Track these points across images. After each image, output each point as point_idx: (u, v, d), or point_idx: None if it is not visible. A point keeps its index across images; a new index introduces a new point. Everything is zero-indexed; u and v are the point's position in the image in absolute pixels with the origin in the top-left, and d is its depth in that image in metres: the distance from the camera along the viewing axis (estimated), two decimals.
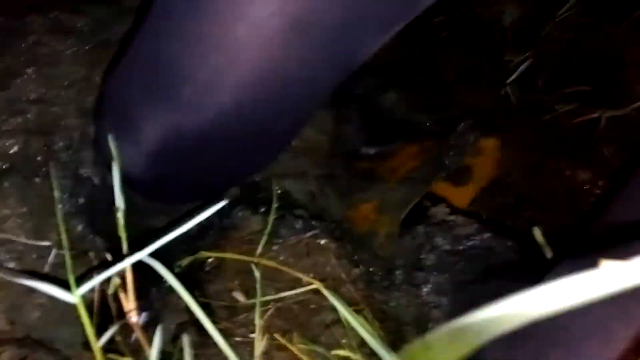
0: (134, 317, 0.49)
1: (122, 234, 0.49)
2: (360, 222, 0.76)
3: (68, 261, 0.42)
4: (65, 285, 0.49)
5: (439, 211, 0.74)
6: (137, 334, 0.48)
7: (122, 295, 0.49)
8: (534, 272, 0.63)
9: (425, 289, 0.68)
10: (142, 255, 0.47)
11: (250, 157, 0.63)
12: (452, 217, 0.73)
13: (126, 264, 0.45)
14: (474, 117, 0.85)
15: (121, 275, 0.52)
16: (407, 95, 0.93)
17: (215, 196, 0.69)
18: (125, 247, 0.50)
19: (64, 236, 0.50)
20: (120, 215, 0.52)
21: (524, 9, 1.02)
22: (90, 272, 0.59)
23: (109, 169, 0.63)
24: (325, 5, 0.47)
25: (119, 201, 0.52)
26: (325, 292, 0.57)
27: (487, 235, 0.70)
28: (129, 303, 0.49)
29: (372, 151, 0.84)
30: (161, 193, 0.65)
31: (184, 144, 0.55)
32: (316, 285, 0.60)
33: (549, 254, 0.69)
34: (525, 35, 0.99)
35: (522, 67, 0.93)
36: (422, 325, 0.67)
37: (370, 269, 0.70)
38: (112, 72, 0.60)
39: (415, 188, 0.79)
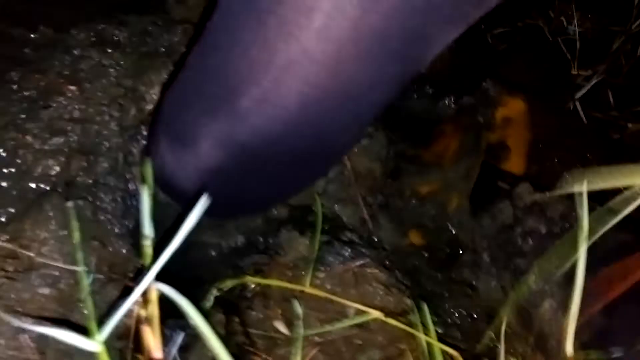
0: (157, 354, 0.46)
1: (147, 262, 0.46)
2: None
3: (90, 308, 0.40)
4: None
5: (523, 191, 0.70)
6: None
7: (145, 330, 0.46)
8: None
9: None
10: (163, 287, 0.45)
11: (305, 169, 0.61)
12: (538, 197, 0.69)
13: (135, 297, 0.42)
14: (490, 76, 0.84)
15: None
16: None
17: (265, 210, 0.68)
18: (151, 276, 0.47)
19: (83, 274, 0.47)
20: (147, 244, 0.49)
21: (593, 21, 0.95)
22: (124, 297, 0.56)
23: (159, 185, 0.61)
24: (397, 11, 0.45)
25: (147, 229, 0.49)
26: (389, 320, 0.53)
27: None
28: (155, 338, 0.46)
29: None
30: (213, 207, 0.63)
31: (241, 157, 0.54)
32: (372, 313, 0.56)
33: None
34: (594, 49, 0.92)
35: (591, 82, 0.87)
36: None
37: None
38: (170, 86, 0.59)
39: (471, 159, 0.76)
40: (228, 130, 0.52)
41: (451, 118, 0.85)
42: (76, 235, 0.50)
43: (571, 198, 0.63)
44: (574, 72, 0.89)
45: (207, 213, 0.63)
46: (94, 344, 0.39)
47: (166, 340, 0.53)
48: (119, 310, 0.41)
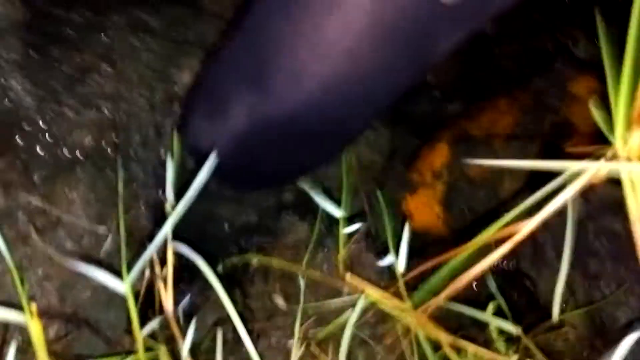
0: (170, 309, 0.51)
1: (169, 223, 0.51)
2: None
3: (123, 248, 0.45)
4: (115, 272, 0.52)
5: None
6: (172, 327, 0.51)
7: (160, 286, 0.52)
8: None
9: (602, 282, 0.56)
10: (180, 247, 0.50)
11: (323, 148, 0.68)
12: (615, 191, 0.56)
13: (150, 251, 0.48)
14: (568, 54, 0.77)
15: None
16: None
17: (281, 185, 0.75)
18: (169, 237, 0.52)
19: (122, 224, 0.52)
20: (168, 207, 0.55)
21: (597, 46, 0.99)
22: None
23: (190, 153, 0.67)
24: (409, 10, 0.52)
25: (169, 192, 0.55)
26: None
27: None
28: (167, 294, 0.52)
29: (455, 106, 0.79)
30: (236, 178, 0.70)
31: (267, 128, 0.61)
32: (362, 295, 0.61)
33: None
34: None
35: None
36: None
37: None
38: (212, 56, 0.68)
39: (527, 139, 0.71)
40: (257, 101, 0.59)
41: (504, 93, 0.78)
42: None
43: None
44: None
45: (230, 183, 0.70)
46: (123, 284, 0.44)
47: (175, 301, 0.59)
48: (143, 257, 0.46)
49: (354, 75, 0.57)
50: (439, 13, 0.53)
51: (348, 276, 0.63)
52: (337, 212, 0.62)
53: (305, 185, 0.63)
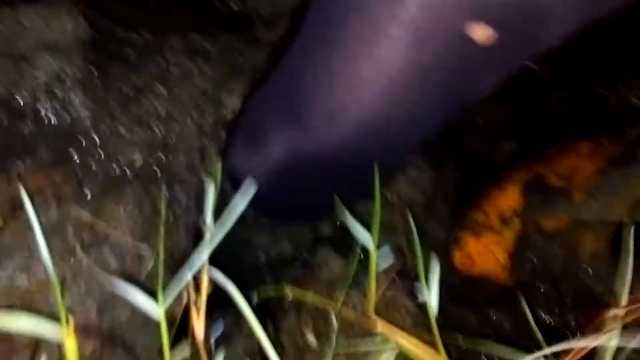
0: (200, 338, 0.51)
1: (206, 249, 0.51)
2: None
3: (160, 273, 0.45)
4: (153, 295, 0.52)
5: None
6: (201, 355, 0.51)
7: (193, 313, 0.52)
8: None
9: None
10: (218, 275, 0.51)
11: (360, 184, 0.67)
12: None
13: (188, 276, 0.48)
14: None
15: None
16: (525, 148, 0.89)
17: (316, 219, 0.76)
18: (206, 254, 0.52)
19: (161, 250, 0.53)
20: (206, 230, 0.55)
21: None
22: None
23: (231, 182, 0.68)
24: (446, 52, 0.52)
25: (209, 218, 0.55)
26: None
27: None
28: (199, 322, 0.52)
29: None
30: (272, 208, 0.71)
31: (304, 163, 0.62)
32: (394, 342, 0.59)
33: None
34: None
35: None
36: None
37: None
38: (253, 93, 0.69)
39: (615, 196, 0.64)
40: (296, 138, 0.60)
41: (586, 137, 0.72)
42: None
43: None
44: None
45: (266, 213, 0.70)
46: (158, 309, 0.45)
47: (208, 328, 0.59)
48: (180, 282, 0.47)
49: (391, 114, 0.57)
50: (476, 54, 0.53)
51: (380, 324, 0.61)
52: (369, 244, 0.61)
53: (341, 213, 0.62)
